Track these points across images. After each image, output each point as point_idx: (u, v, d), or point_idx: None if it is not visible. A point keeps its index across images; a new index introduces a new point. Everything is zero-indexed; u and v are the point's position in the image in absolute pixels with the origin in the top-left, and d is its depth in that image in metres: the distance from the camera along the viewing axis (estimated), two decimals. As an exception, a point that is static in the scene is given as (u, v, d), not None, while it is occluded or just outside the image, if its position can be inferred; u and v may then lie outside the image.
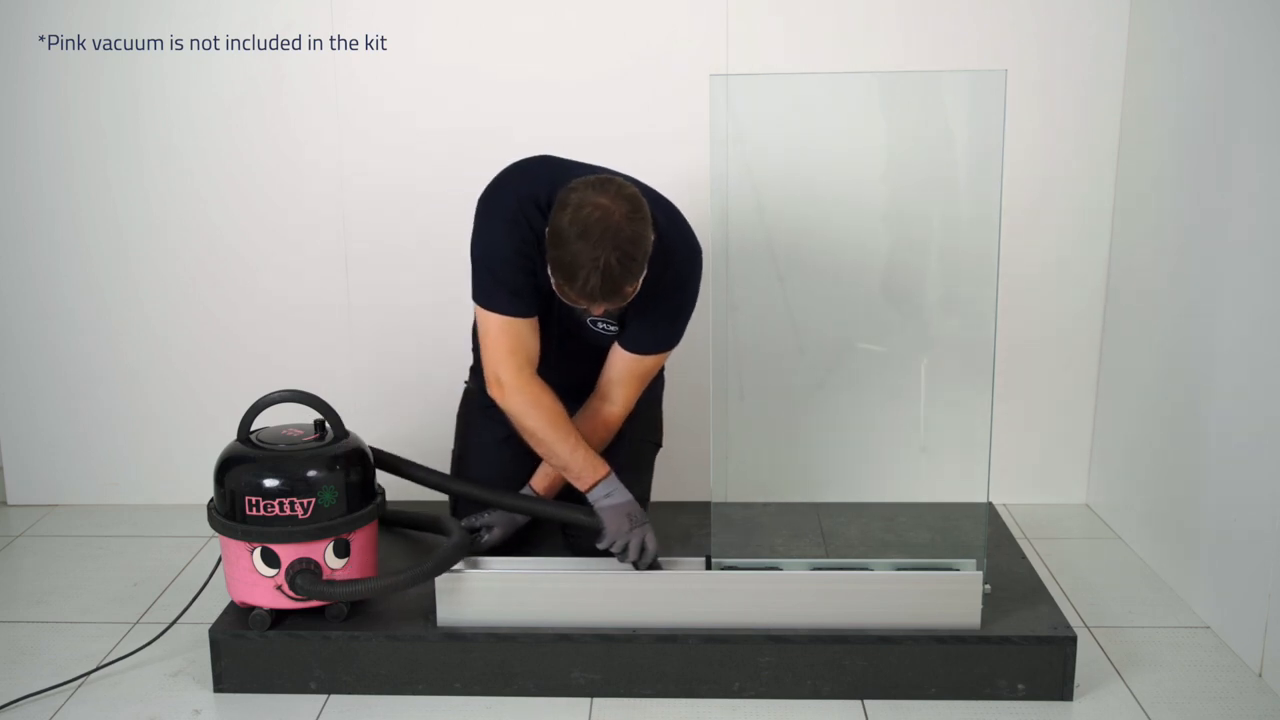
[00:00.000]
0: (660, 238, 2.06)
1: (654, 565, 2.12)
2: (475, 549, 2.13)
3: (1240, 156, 2.27)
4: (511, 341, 2.12)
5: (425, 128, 2.89)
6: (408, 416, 2.98)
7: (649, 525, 2.14)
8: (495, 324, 2.13)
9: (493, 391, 2.17)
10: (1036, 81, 2.79)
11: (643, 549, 2.11)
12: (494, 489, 2.26)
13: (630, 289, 1.97)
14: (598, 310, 1.99)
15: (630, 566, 2.11)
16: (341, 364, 3.01)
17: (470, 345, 2.50)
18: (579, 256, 1.89)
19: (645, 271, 1.99)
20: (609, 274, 1.90)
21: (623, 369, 2.22)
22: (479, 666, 2.10)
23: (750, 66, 2.78)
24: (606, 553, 2.15)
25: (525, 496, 2.27)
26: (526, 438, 2.18)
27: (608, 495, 2.13)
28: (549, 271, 1.98)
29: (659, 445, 2.50)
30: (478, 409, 2.43)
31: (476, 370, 2.51)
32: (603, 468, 2.15)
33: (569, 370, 2.31)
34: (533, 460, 2.30)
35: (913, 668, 2.07)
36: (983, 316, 2.15)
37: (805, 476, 2.73)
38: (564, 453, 2.14)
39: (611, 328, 2.21)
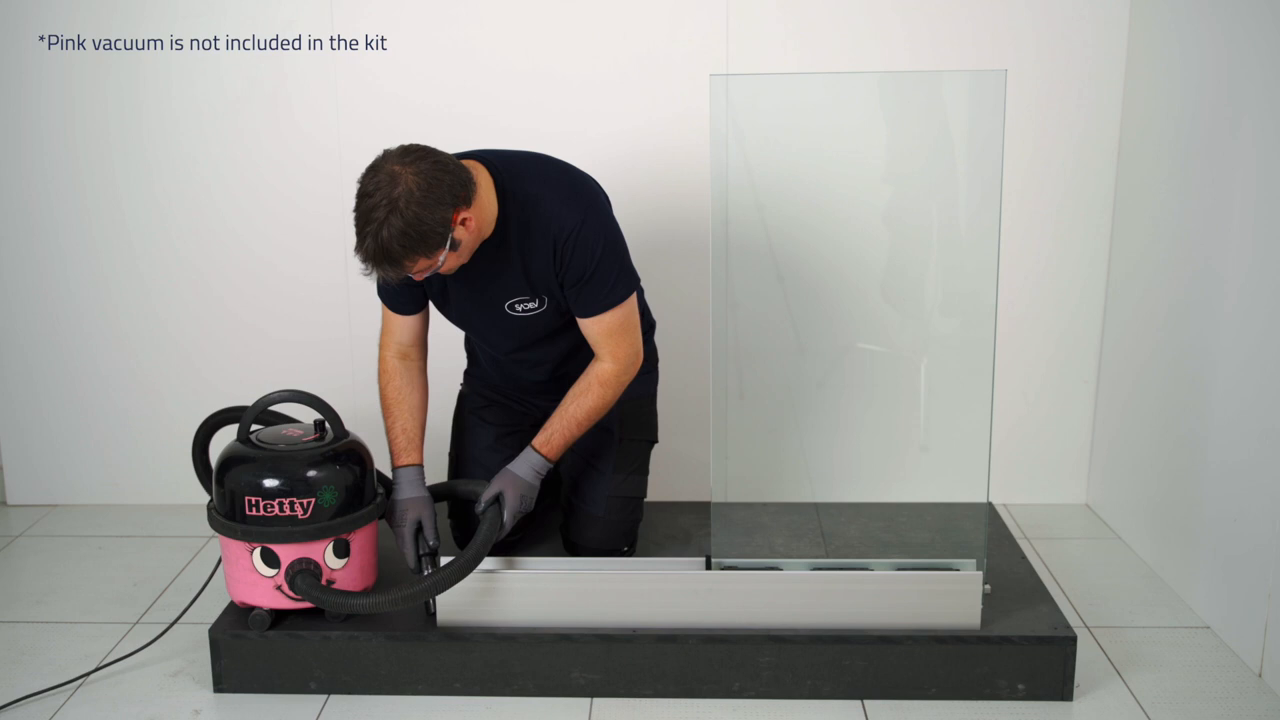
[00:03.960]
0: (538, 211, 2.07)
1: (432, 556, 2.18)
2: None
3: (1240, 156, 2.27)
4: (387, 325, 2.29)
5: (425, 128, 2.88)
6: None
7: (425, 521, 2.19)
8: (382, 309, 2.28)
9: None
10: (1036, 81, 2.79)
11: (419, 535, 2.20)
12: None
13: (414, 265, 1.96)
14: (384, 275, 1.99)
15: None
16: (342, 363, 3.01)
17: (464, 348, 2.51)
18: (359, 219, 1.94)
19: (444, 251, 1.96)
20: (381, 243, 1.91)
21: (595, 331, 2.21)
22: (479, 666, 2.10)
23: (750, 66, 2.78)
24: (602, 551, 2.25)
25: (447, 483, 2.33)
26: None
27: (397, 484, 2.22)
28: None
29: (654, 442, 2.50)
30: (470, 413, 2.44)
31: (470, 373, 2.52)
32: (412, 458, 2.24)
33: (535, 355, 2.31)
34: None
35: (913, 668, 2.07)
36: (983, 316, 2.15)
37: (805, 476, 2.73)
38: (388, 426, 2.26)
39: (531, 306, 2.19)
